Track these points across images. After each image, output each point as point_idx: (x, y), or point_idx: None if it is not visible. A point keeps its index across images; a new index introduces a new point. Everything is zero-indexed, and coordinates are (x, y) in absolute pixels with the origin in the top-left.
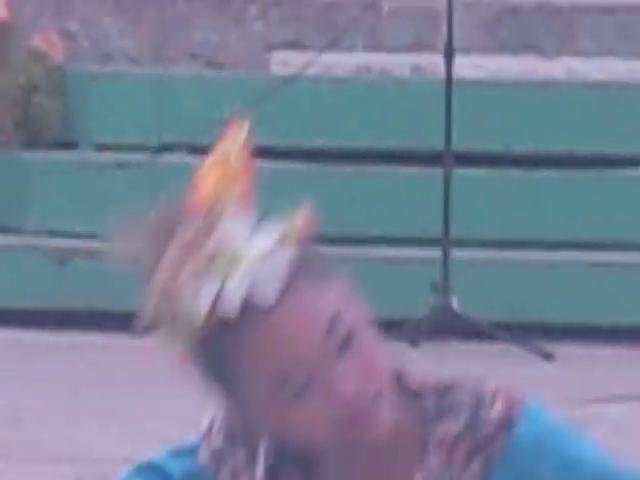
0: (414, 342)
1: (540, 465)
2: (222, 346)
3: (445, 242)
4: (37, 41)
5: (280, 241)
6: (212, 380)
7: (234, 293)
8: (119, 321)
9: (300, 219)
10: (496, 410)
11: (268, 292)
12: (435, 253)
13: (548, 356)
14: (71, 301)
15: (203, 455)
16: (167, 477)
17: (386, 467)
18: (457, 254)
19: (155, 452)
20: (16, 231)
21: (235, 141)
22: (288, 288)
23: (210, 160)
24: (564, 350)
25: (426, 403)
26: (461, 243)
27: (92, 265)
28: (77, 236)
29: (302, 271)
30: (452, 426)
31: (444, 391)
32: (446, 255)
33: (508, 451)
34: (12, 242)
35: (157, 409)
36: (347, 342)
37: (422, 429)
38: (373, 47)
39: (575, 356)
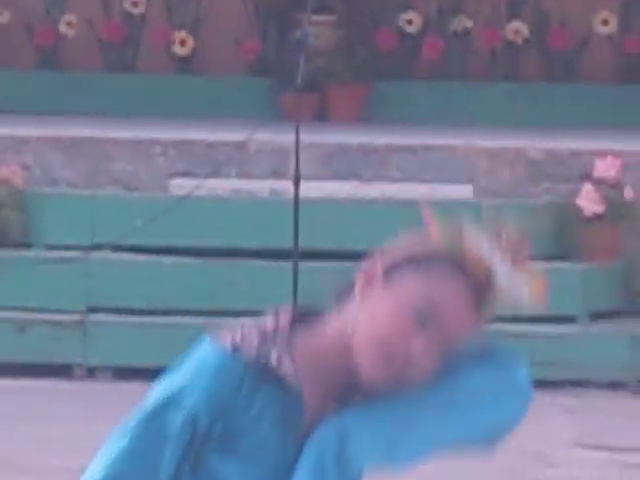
0: None
1: None
2: (438, 273)
3: None
4: (2, 171)
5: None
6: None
7: (498, 272)
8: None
9: None
10: None
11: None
12: None
13: None
14: (29, 357)
15: (248, 356)
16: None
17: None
18: None
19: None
20: None
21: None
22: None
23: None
24: None
25: None
26: None
27: (45, 330)
28: (32, 310)
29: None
30: None
31: None
32: None
33: None
34: None
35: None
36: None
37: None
38: (243, 175)
39: None
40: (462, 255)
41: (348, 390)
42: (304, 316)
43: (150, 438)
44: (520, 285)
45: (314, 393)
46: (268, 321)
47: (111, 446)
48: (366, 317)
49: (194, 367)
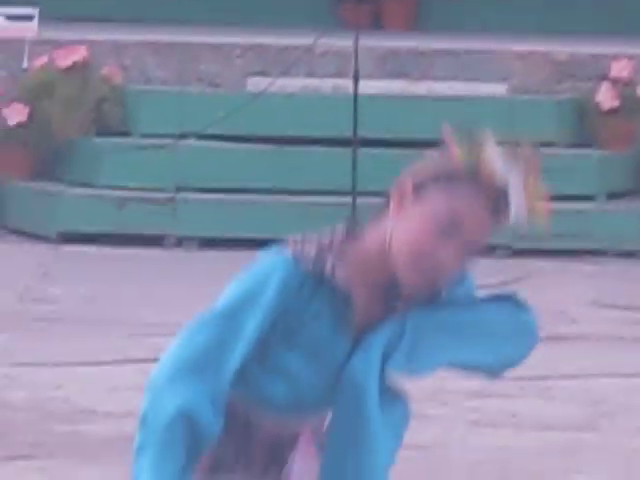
0: None
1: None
2: (459, 188)
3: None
4: (104, 71)
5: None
6: (415, 188)
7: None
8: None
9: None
10: None
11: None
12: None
13: None
14: (127, 229)
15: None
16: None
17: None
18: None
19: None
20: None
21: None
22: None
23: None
24: None
25: None
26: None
27: (141, 206)
28: (130, 189)
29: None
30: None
31: None
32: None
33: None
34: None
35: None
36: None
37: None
38: (310, 74)
39: None
40: (478, 172)
41: (390, 294)
42: (354, 231)
43: (225, 334)
44: (529, 198)
45: (362, 296)
46: (325, 236)
47: (186, 337)
48: (401, 230)
49: (263, 274)
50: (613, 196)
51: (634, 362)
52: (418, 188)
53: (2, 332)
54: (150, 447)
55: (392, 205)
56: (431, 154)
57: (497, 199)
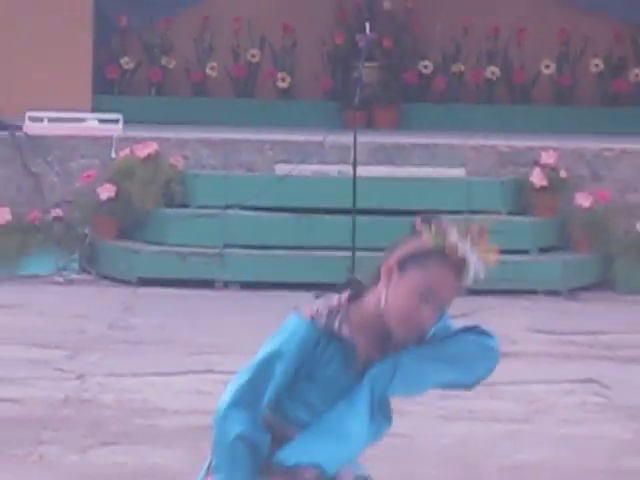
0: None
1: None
2: (425, 257)
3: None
4: (171, 160)
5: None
6: (397, 264)
7: (468, 256)
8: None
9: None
10: None
11: (469, 268)
12: None
13: None
14: (187, 275)
15: (320, 325)
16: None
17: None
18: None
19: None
20: (161, 244)
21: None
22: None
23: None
24: None
25: None
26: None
27: (198, 258)
28: (189, 246)
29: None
30: None
31: None
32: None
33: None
34: (159, 249)
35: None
36: (443, 304)
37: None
38: (321, 162)
39: None
40: (444, 250)
41: (385, 343)
42: (356, 293)
43: (262, 378)
44: (482, 260)
45: (363, 345)
46: (334, 299)
47: (238, 379)
48: (390, 297)
49: (288, 332)
50: (542, 250)
51: (560, 372)
52: (400, 265)
53: (96, 351)
54: (223, 466)
55: (382, 277)
56: (408, 238)
57: (460, 266)
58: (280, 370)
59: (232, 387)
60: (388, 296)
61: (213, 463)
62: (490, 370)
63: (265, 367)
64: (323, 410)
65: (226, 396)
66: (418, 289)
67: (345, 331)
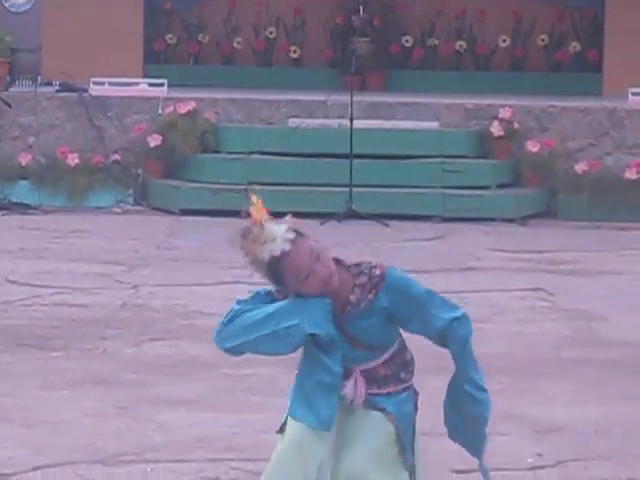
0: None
1: (397, 288)
2: (275, 268)
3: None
4: (205, 115)
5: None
6: (274, 282)
7: (276, 250)
8: None
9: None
10: (377, 271)
11: (286, 247)
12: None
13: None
14: (219, 207)
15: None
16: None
17: (340, 296)
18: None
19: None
20: (198, 182)
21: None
22: (292, 244)
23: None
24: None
25: (351, 270)
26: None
27: (227, 193)
28: (220, 183)
29: (297, 236)
30: (362, 278)
31: (357, 265)
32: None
33: (384, 286)
34: (197, 186)
35: None
36: (318, 257)
37: (351, 281)
38: (325, 116)
39: None
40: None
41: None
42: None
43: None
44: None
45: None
46: None
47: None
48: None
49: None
50: (500, 186)
51: (514, 283)
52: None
53: (147, 266)
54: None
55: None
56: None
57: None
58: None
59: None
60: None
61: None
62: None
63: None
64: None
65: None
66: (295, 278)
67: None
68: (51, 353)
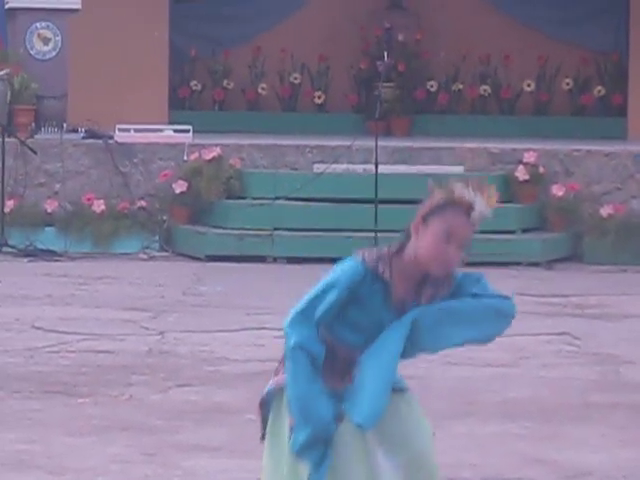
0: None
1: (463, 281)
2: (447, 212)
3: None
4: (231, 161)
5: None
6: (425, 216)
7: (485, 211)
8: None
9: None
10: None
11: (481, 215)
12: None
13: None
14: (244, 252)
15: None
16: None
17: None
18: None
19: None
20: (224, 228)
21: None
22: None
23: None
24: None
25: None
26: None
27: (252, 239)
28: (246, 229)
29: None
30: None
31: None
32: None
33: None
34: (223, 232)
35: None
36: (462, 248)
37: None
38: (350, 162)
39: None
40: (454, 198)
41: (418, 287)
42: (399, 248)
43: (319, 299)
44: (484, 203)
45: (400, 288)
46: (384, 248)
47: (302, 300)
48: (421, 245)
49: (342, 269)
50: (525, 230)
51: (540, 327)
52: (424, 219)
53: (174, 313)
54: (287, 368)
55: (413, 233)
56: (426, 200)
57: (469, 209)
58: (333, 295)
59: (295, 309)
60: (419, 245)
61: (279, 367)
62: (502, 330)
63: (323, 291)
64: (367, 332)
65: (290, 315)
66: (440, 232)
67: (387, 275)
68: (77, 399)
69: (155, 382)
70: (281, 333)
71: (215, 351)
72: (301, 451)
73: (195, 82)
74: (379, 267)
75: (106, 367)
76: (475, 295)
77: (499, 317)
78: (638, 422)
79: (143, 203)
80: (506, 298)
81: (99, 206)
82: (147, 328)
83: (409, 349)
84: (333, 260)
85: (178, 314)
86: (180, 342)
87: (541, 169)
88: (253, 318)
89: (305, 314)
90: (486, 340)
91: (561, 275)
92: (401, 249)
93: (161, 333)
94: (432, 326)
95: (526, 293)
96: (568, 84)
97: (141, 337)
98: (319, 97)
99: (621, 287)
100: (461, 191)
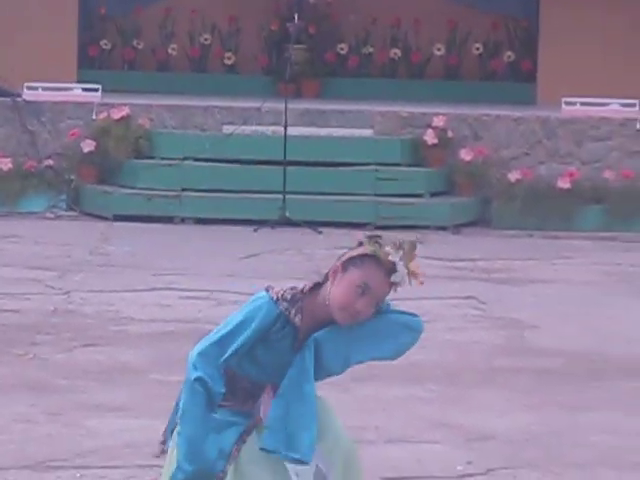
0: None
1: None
2: (361, 269)
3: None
4: (139, 121)
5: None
6: (338, 269)
7: (398, 277)
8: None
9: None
10: None
11: (402, 281)
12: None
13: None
14: (153, 213)
15: (282, 306)
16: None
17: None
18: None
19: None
20: (132, 187)
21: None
22: (395, 287)
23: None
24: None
25: None
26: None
27: (161, 199)
28: (153, 189)
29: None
30: None
31: None
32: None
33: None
34: (130, 192)
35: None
36: (375, 305)
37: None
38: (259, 123)
39: None
40: (380, 256)
41: (326, 326)
42: (314, 286)
43: (226, 342)
44: (407, 271)
45: (309, 328)
46: (298, 287)
47: (210, 336)
48: (334, 292)
49: (255, 307)
50: (433, 194)
51: (446, 291)
52: (344, 266)
53: (80, 272)
54: (184, 400)
55: (330, 277)
56: (352, 249)
57: (390, 269)
58: (243, 337)
59: (204, 341)
60: (333, 290)
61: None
62: (409, 345)
63: (233, 331)
64: (271, 370)
65: (198, 346)
66: (355, 283)
67: (297, 320)
68: None
69: (60, 342)
70: (187, 294)
71: (121, 311)
72: None
73: (105, 41)
74: (291, 311)
75: (11, 326)
76: (379, 311)
77: (405, 331)
78: (542, 387)
79: (51, 162)
80: (413, 315)
81: (6, 164)
82: (53, 287)
83: (317, 371)
84: (242, 221)
85: (84, 274)
86: (86, 302)
87: (450, 133)
88: (160, 278)
89: (213, 350)
90: (394, 356)
91: (468, 239)
92: (316, 289)
93: (67, 292)
94: (334, 345)
95: (433, 257)
96: (478, 49)
97: (47, 296)
98: (229, 58)
99: (527, 252)
100: (389, 250)
